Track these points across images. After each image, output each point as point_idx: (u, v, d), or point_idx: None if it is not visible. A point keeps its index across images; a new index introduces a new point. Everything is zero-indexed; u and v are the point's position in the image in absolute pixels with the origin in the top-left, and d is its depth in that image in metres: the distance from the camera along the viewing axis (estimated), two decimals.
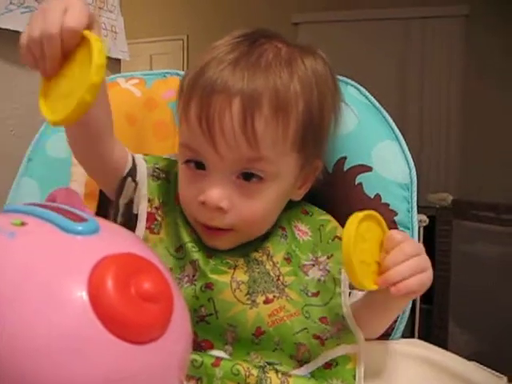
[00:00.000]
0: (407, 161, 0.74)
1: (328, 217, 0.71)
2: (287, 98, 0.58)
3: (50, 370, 0.33)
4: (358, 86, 0.80)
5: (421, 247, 0.57)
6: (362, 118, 0.76)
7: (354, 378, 0.60)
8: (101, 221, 0.43)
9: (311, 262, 0.66)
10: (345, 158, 0.75)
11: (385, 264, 0.54)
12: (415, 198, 0.73)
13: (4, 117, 1.14)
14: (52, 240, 0.39)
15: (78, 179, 0.79)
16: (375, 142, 0.75)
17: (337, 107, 0.68)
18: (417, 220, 0.75)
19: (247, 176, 0.59)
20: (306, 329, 0.61)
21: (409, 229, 0.72)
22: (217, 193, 0.58)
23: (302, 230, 0.69)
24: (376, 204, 0.72)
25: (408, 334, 0.75)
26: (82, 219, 0.41)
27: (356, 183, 0.73)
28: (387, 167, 0.74)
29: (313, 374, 0.60)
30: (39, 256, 0.37)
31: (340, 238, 0.67)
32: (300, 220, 0.70)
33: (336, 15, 3.37)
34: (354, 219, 0.53)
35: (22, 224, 0.39)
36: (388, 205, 0.72)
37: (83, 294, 0.35)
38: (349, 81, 0.81)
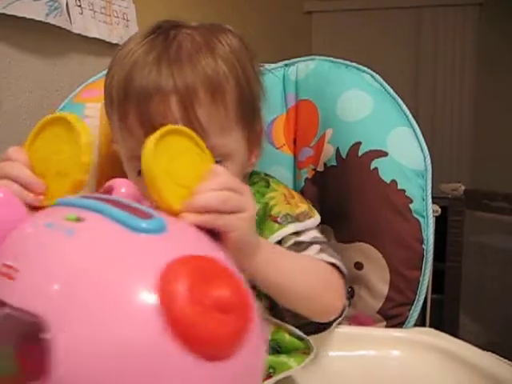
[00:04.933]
0: (422, 148, 0.74)
1: (275, 193, 0.68)
2: (219, 80, 0.59)
3: None
4: (373, 73, 0.80)
5: (241, 187, 0.49)
6: (376, 104, 0.76)
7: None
8: (167, 218, 0.38)
9: None
10: (359, 143, 0.74)
11: (195, 190, 0.46)
12: (430, 186, 0.73)
13: (17, 104, 1.14)
14: (115, 239, 0.34)
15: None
16: (391, 128, 0.74)
17: (258, 73, 0.69)
18: (431, 209, 0.74)
19: None
20: None
21: (423, 217, 0.71)
22: None
23: None
24: (392, 190, 0.72)
25: (419, 323, 0.75)
26: (146, 215, 0.36)
27: (371, 168, 0.73)
28: (403, 153, 0.73)
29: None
30: (101, 257, 0.33)
31: (272, 218, 0.65)
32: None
33: (349, 4, 3.34)
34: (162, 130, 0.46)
35: (78, 220, 0.35)
36: (404, 191, 0.72)
37: (153, 303, 0.30)
38: (363, 68, 0.81)
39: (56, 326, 0.30)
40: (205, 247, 0.38)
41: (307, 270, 0.61)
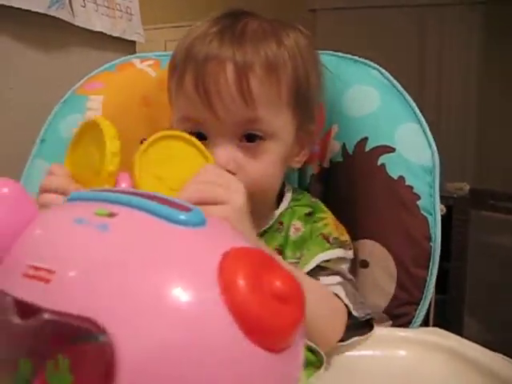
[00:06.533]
0: (430, 144, 0.72)
1: (326, 214, 0.70)
2: (277, 61, 0.61)
3: None
4: (381, 69, 0.79)
5: (228, 181, 0.52)
6: (384, 99, 0.75)
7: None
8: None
9: (295, 260, 0.66)
10: (366, 138, 0.73)
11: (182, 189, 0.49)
12: (437, 182, 0.71)
13: (18, 97, 1.13)
14: (158, 232, 0.32)
15: None
16: (398, 124, 0.73)
17: (320, 74, 0.70)
18: (439, 206, 0.72)
19: (250, 137, 0.61)
20: None
21: (431, 214, 0.70)
22: (223, 156, 0.59)
23: (297, 227, 0.69)
24: (400, 186, 0.71)
25: (422, 323, 0.74)
26: (183, 208, 0.34)
27: (379, 164, 0.72)
28: (410, 149, 0.72)
29: None
30: (148, 252, 0.31)
31: (324, 236, 0.66)
32: (300, 219, 0.69)
33: (353, 2, 3.33)
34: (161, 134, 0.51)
35: (111, 215, 0.33)
36: (412, 188, 0.70)
37: (215, 296, 0.29)
38: (371, 63, 0.80)
39: (113, 328, 0.28)
40: (243, 239, 0.36)
41: (320, 295, 0.59)
